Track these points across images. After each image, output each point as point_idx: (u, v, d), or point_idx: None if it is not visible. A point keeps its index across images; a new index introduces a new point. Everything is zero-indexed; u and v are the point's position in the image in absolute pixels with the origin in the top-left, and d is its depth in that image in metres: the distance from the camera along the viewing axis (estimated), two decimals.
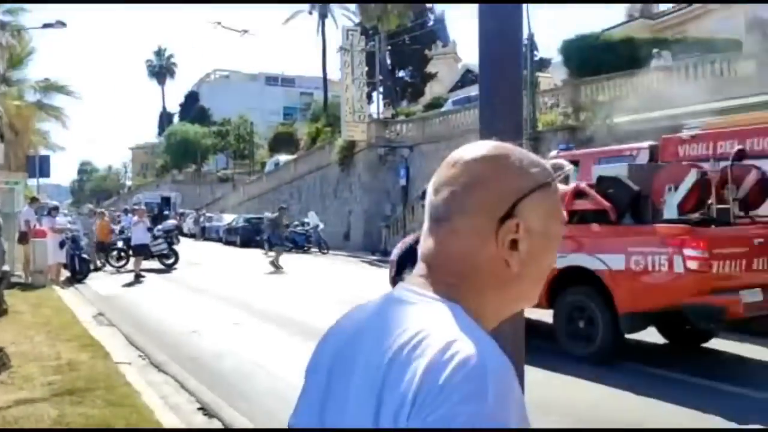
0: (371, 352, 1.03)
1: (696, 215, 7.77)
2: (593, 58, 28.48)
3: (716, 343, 8.95)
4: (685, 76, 22.24)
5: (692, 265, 7.00)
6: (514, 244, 1.11)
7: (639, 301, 7.42)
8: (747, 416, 6.02)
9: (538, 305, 8.71)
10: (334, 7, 56.33)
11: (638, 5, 43.34)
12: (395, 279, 1.37)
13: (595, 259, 7.73)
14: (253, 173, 61.18)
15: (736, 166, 8.48)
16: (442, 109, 35.11)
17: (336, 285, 17.58)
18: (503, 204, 1.10)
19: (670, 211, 7.51)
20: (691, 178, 7.53)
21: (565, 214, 1.20)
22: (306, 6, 58.64)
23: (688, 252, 7.01)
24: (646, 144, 11.24)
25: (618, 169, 8.44)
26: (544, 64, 50.30)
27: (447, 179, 1.14)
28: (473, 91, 40.18)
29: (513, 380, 0.98)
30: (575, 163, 11.70)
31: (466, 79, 52.27)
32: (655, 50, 24.84)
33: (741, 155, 8.92)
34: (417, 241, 1.23)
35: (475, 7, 2.13)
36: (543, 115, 23.85)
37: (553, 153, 13.47)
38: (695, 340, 8.94)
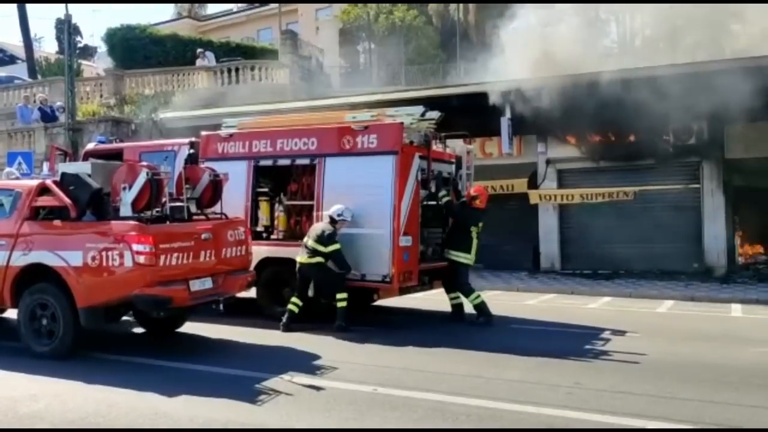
0: None
1: (152, 212, 8.20)
2: (139, 50, 27.81)
3: (190, 327, 9.57)
4: (228, 78, 23.23)
5: (140, 259, 7.39)
6: None
7: (95, 294, 7.60)
8: (210, 390, 6.43)
9: (3, 305, 8.11)
10: None
11: (186, 5, 44.02)
12: None
13: (56, 256, 7.77)
14: None
15: (191, 168, 9.22)
16: None
17: None
18: None
19: (125, 208, 7.86)
20: (141, 178, 7.92)
21: None
22: None
23: (136, 247, 7.39)
24: (186, 140, 11.25)
25: (81, 167, 8.47)
26: (89, 51, 47.41)
27: None
28: (4, 71, 35.56)
29: None
30: (118, 156, 11.10)
31: None
32: (199, 50, 25.36)
33: (194, 158, 9.70)
34: None
35: None
36: (84, 105, 22.26)
37: (91, 145, 12.55)
38: (169, 326, 9.48)
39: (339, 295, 9.55)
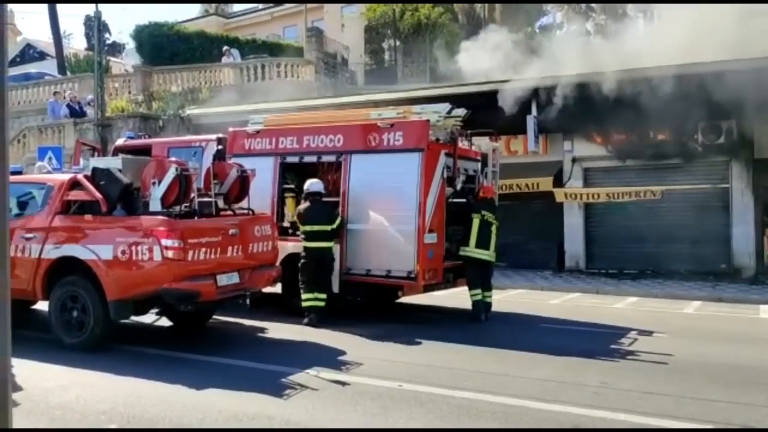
0: None
1: (181, 208, 8.30)
2: (167, 47, 28.07)
3: (216, 321, 9.74)
4: (254, 75, 23.37)
5: (169, 253, 7.49)
6: None
7: (125, 288, 7.72)
8: (237, 383, 6.51)
9: (35, 297, 8.26)
10: None
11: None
12: None
13: (87, 250, 7.83)
14: None
15: (218, 164, 9.32)
16: None
17: None
18: None
19: (154, 203, 7.97)
20: (171, 173, 8.00)
21: None
22: None
23: (165, 242, 7.49)
24: (214, 136, 11.35)
25: (112, 162, 8.61)
26: (117, 48, 48.02)
27: None
28: (35, 68, 36.15)
29: None
30: (147, 152, 11.25)
31: (26, 54, 47.00)
32: (225, 48, 25.55)
33: (222, 154, 9.77)
34: None
35: None
36: (113, 101, 22.56)
37: (120, 141, 12.72)
38: (196, 320, 9.58)
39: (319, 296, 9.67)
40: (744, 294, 12.98)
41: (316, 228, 9.57)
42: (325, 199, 10.51)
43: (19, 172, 9.87)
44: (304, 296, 9.61)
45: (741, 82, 11.99)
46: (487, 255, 10.25)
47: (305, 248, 9.64)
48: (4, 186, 1.59)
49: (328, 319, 9.57)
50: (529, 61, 14.98)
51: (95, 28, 20.99)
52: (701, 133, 15.07)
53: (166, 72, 24.30)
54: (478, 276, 10.27)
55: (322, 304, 9.64)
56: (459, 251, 10.23)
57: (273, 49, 29.00)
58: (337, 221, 9.70)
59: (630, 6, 23.68)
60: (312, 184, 9.85)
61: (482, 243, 10.17)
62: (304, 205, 9.82)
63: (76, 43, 50.40)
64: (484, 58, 15.02)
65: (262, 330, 9.35)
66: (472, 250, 10.17)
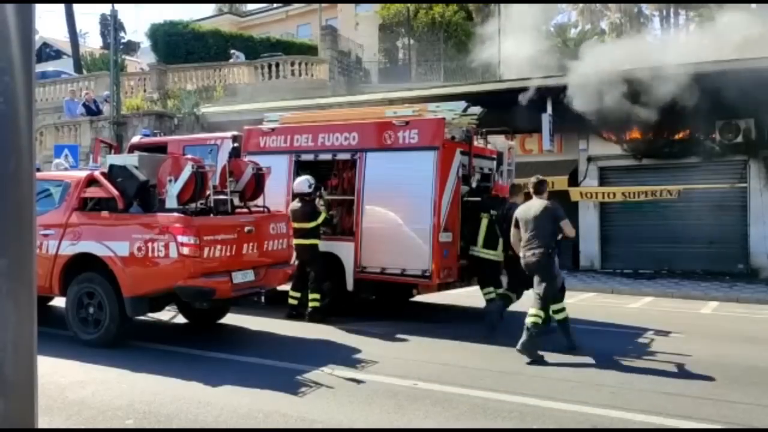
0: None
1: (197, 205, 8.31)
2: (182, 45, 28.20)
3: (231, 318, 9.77)
4: (269, 73, 23.41)
5: (185, 250, 7.49)
6: None
7: (141, 284, 7.74)
8: (252, 380, 6.51)
9: (51, 293, 8.24)
10: None
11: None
12: None
13: (103, 246, 7.83)
14: None
15: (234, 161, 9.31)
16: None
17: None
18: None
19: (170, 201, 7.98)
20: (187, 171, 7.87)
21: None
22: None
23: (181, 239, 7.48)
24: (229, 134, 11.36)
25: (128, 159, 8.61)
26: (132, 47, 48.31)
27: None
28: (51, 66, 36.43)
29: None
30: (162, 150, 11.28)
31: (43, 53, 47.43)
32: (232, 51, 25.74)
33: (237, 152, 9.89)
34: None
35: None
36: (128, 99, 22.68)
37: (136, 138, 12.77)
38: (211, 317, 9.60)
39: (312, 296, 9.69)
40: (762, 294, 12.84)
41: (296, 225, 9.61)
42: (337, 197, 10.55)
43: (36, 170, 9.93)
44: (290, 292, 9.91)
45: (759, 80, 11.86)
46: (494, 255, 10.07)
47: (295, 245, 9.74)
48: (32, 182, 1.58)
49: (342, 317, 9.56)
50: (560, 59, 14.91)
51: (111, 26, 21.10)
52: (719, 131, 14.94)
53: (181, 70, 24.41)
54: (489, 275, 10.17)
55: (317, 304, 9.73)
56: (473, 252, 10.14)
57: (287, 47, 29.06)
58: (319, 218, 9.71)
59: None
60: (297, 184, 9.90)
61: (490, 243, 10.03)
62: (293, 203, 9.90)
63: (92, 42, 50.77)
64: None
65: (276, 328, 9.35)
66: (479, 250, 10.04)
